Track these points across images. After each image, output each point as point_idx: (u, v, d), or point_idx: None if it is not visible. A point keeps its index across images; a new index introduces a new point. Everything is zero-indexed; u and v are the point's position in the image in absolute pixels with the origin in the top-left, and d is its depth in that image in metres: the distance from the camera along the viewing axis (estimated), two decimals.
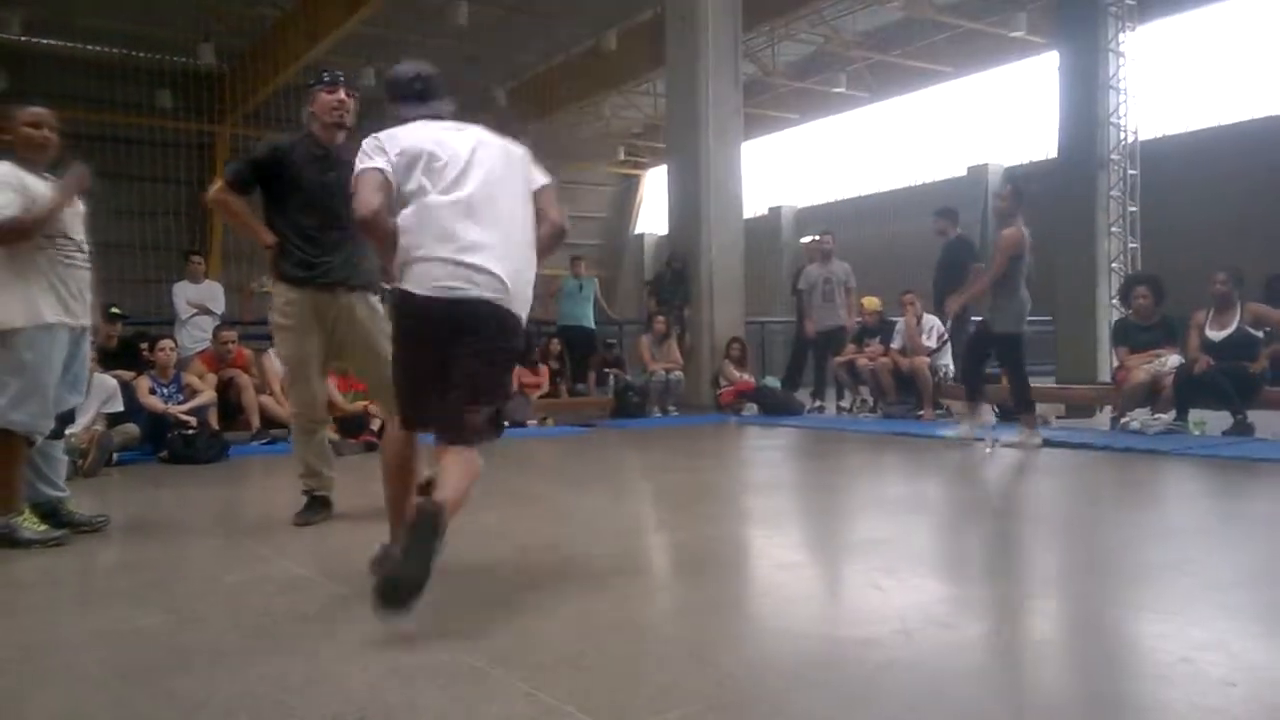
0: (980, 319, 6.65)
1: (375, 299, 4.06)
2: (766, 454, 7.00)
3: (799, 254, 17.24)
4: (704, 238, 10.14)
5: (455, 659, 2.17)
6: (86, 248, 3.80)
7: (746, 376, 9.74)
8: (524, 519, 4.20)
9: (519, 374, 9.23)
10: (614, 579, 3.02)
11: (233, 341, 7.50)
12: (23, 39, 15.65)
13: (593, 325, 10.85)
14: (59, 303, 3.62)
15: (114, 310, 7.22)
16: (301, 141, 4.03)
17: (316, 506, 4.16)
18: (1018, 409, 6.50)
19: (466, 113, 3.09)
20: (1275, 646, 2.29)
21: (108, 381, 6.30)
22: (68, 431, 4.21)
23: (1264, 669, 2.07)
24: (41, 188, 3.62)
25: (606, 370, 10.46)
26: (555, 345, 10.16)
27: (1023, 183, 8.67)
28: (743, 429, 8.54)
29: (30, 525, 3.61)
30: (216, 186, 4.01)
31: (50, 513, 3.77)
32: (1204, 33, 17.97)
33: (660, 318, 9.80)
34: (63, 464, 4.01)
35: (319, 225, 3.92)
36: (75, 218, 3.76)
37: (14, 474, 3.61)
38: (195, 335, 8.29)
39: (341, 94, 4.06)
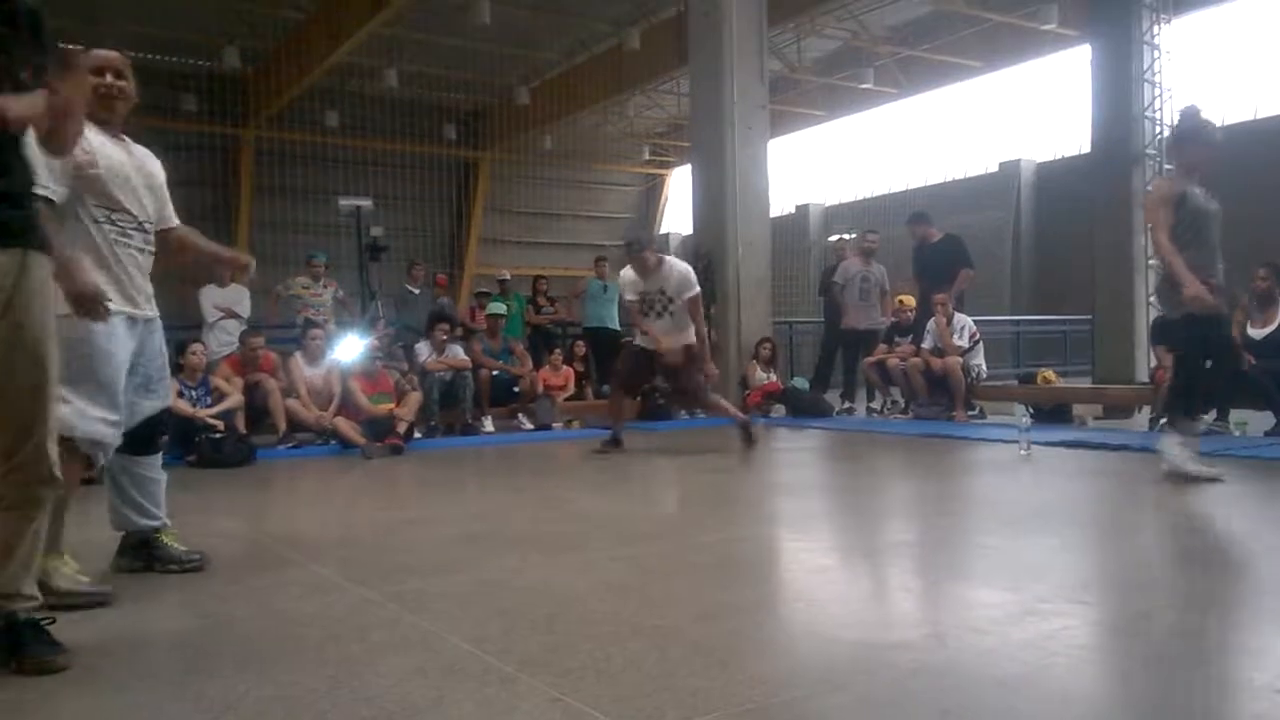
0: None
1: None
2: (794, 456, 6.94)
3: (828, 252, 17.13)
4: (730, 237, 10.08)
5: (482, 663, 2.15)
6: (151, 227, 3.12)
7: (773, 378, 9.67)
8: (549, 522, 4.18)
9: (543, 375, 9.24)
10: (640, 583, 2.99)
11: (261, 347, 7.55)
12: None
13: (618, 327, 10.83)
14: (115, 288, 2.91)
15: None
16: None
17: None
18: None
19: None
20: None
21: None
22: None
23: None
24: (118, 154, 3.02)
25: None
26: (580, 347, 10.15)
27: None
28: (770, 431, 8.47)
29: (69, 570, 2.89)
30: None
31: (140, 544, 3.24)
32: (1241, 25, 17.71)
33: None
34: (160, 485, 3.32)
35: None
36: (141, 191, 3.09)
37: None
38: (222, 339, 8.36)
39: None
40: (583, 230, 25.85)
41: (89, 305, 2.56)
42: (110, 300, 2.73)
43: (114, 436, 2.92)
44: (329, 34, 15.53)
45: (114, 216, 2.98)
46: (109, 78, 3.02)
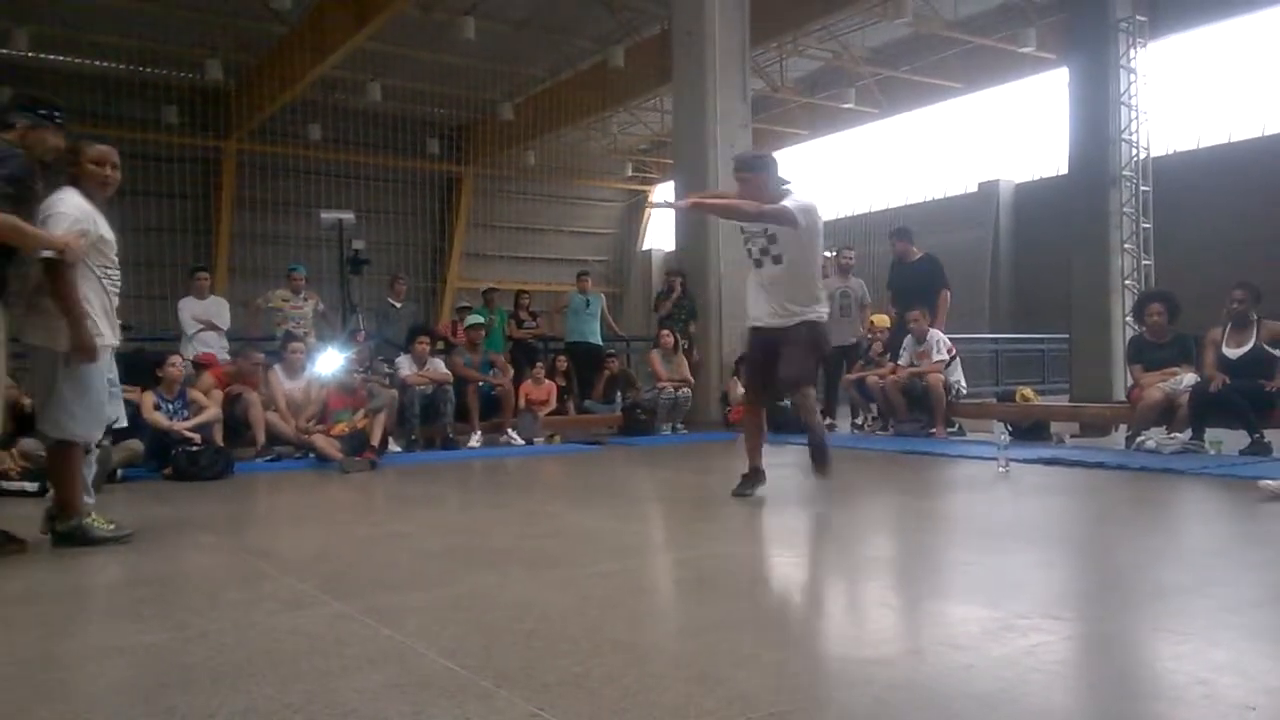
0: None
1: None
2: (776, 472, 6.90)
3: None
4: (713, 254, 10.13)
5: (459, 678, 2.14)
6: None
7: None
8: (530, 537, 4.16)
9: (525, 390, 9.21)
10: (621, 598, 2.98)
11: (261, 362, 7.52)
12: (29, 55, 15.78)
13: (600, 342, 10.84)
14: (108, 325, 3.94)
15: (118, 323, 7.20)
16: None
17: None
18: None
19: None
20: None
21: None
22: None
23: None
24: (104, 223, 3.92)
25: (616, 388, 10.40)
26: (562, 362, 10.14)
27: None
28: None
29: (100, 524, 3.93)
30: None
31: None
32: (1216, 49, 17.99)
33: (665, 332, 9.79)
34: (92, 470, 4.19)
35: None
36: (114, 246, 4.01)
37: (78, 480, 3.94)
38: (200, 351, 8.30)
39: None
40: (565, 245, 25.88)
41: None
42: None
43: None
44: (313, 48, 15.52)
45: (110, 271, 3.95)
46: (108, 170, 3.94)
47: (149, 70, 17.82)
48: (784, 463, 7.33)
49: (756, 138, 10.79)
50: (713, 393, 10.04)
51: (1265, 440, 6.42)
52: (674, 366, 9.70)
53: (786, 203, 4.67)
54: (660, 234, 26.72)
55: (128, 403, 6.45)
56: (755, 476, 5.12)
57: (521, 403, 9.03)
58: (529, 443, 8.66)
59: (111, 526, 3.98)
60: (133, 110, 18.02)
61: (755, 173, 4.87)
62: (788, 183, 4.87)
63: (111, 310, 3.97)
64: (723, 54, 10.15)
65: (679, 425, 9.62)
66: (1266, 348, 6.64)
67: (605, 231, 27.41)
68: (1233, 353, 6.68)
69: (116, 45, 16.80)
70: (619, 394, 10.29)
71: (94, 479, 5.61)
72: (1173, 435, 6.67)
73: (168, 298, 12.02)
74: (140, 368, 7.16)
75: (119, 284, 4.05)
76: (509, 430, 8.77)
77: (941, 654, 2.29)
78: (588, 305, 10.80)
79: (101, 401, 3.98)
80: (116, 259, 4.01)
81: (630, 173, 25.92)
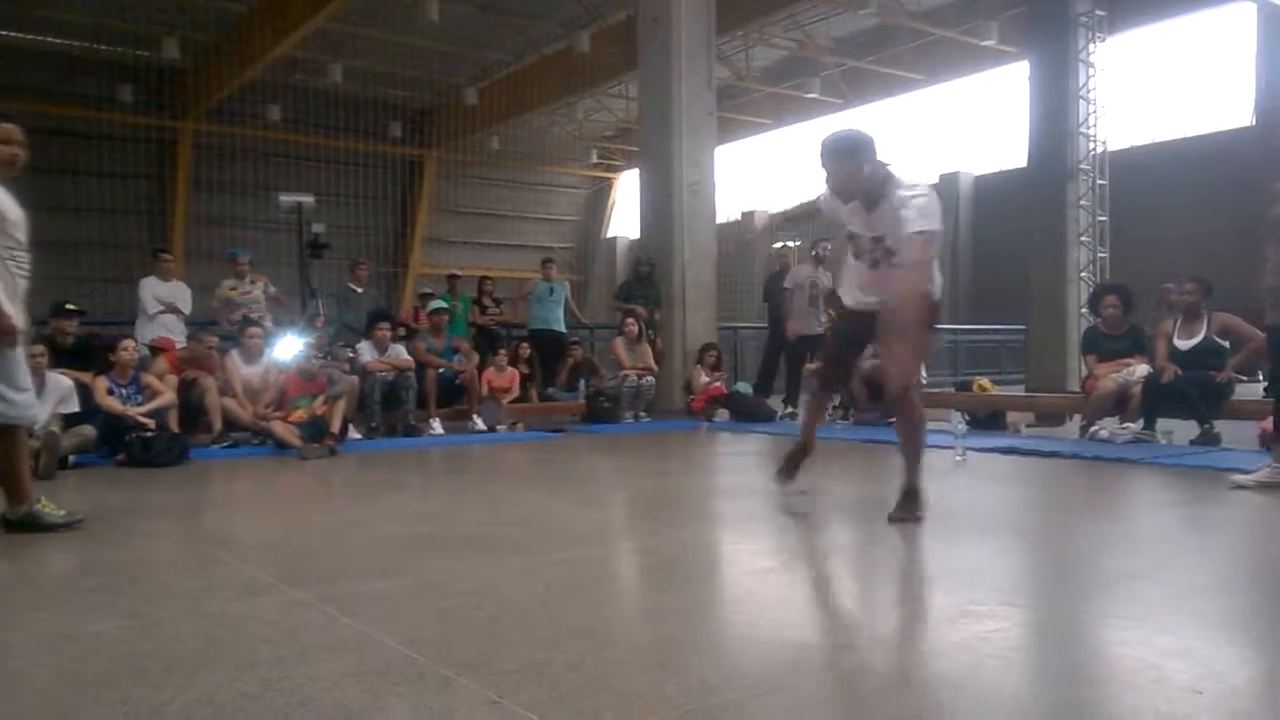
0: None
1: None
2: (737, 460, 6.99)
3: (772, 259, 17.26)
4: (676, 242, 10.13)
5: (419, 665, 2.13)
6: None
7: (717, 383, 9.72)
8: (492, 525, 4.15)
9: (488, 377, 9.16)
10: (582, 585, 2.98)
11: (214, 346, 7.40)
12: None
13: (563, 329, 10.80)
14: (14, 309, 3.76)
15: (69, 306, 7.04)
16: None
17: None
18: None
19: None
20: (1241, 653, 2.30)
21: (63, 382, 6.14)
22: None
23: (1230, 675, 2.08)
24: (10, 203, 3.78)
25: (580, 376, 10.37)
26: (525, 349, 10.09)
27: None
28: (714, 435, 8.52)
29: (50, 510, 3.88)
30: None
31: None
32: (1173, 45, 18.30)
33: (629, 320, 9.77)
34: None
35: None
36: (22, 226, 3.84)
37: (23, 465, 3.89)
38: (159, 334, 8.14)
39: None
40: (529, 232, 25.76)
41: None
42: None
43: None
44: (273, 27, 15.27)
45: (16, 253, 3.79)
46: (14, 148, 3.80)
47: (103, 48, 17.41)
48: (745, 450, 7.39)
49: (721, 127, 10.78)
50: (676, 380, 10.05)
51: (1215, 430, 6.56)
52: (638, 354, 9.69)
53: (906, 212, 3.70)
54: (624, 222, 26.69)
55: (80, 387, 6.35)
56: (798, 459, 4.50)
57: (484, 390, 8.98)
58: (492, 430, 8.61)
59: (63, 513, 3.89)
60: (86, 88, 17.60)
61: (845, 164, 3.85)
62: (887, 165, 3.88)
63: (16, 293, 3.79)
64: (688, 41, 10.12)
65: (642, 413, 9.62)
66: (1217, 339, 6.78)
67: (570, 218, 27.32)
68: (1184, 344, 6.81)
69: (69, 21, 16.39)
70: (582, 381, 10.26)
71: (45, 468, 5.54)
72: (1125, 425, 6.80)
73: (120, 280, 11.79)
74: (92, 352, 7.01)
75: (26, 266, 3.86)
76: (474, 417, 8.70)
77: (900, 640, 2.32)
78: (552, 292, 10.74)
79: (29, 382, 3.90)
80: (24, 239, 3.83)
81: (595, 159, 25.84)
